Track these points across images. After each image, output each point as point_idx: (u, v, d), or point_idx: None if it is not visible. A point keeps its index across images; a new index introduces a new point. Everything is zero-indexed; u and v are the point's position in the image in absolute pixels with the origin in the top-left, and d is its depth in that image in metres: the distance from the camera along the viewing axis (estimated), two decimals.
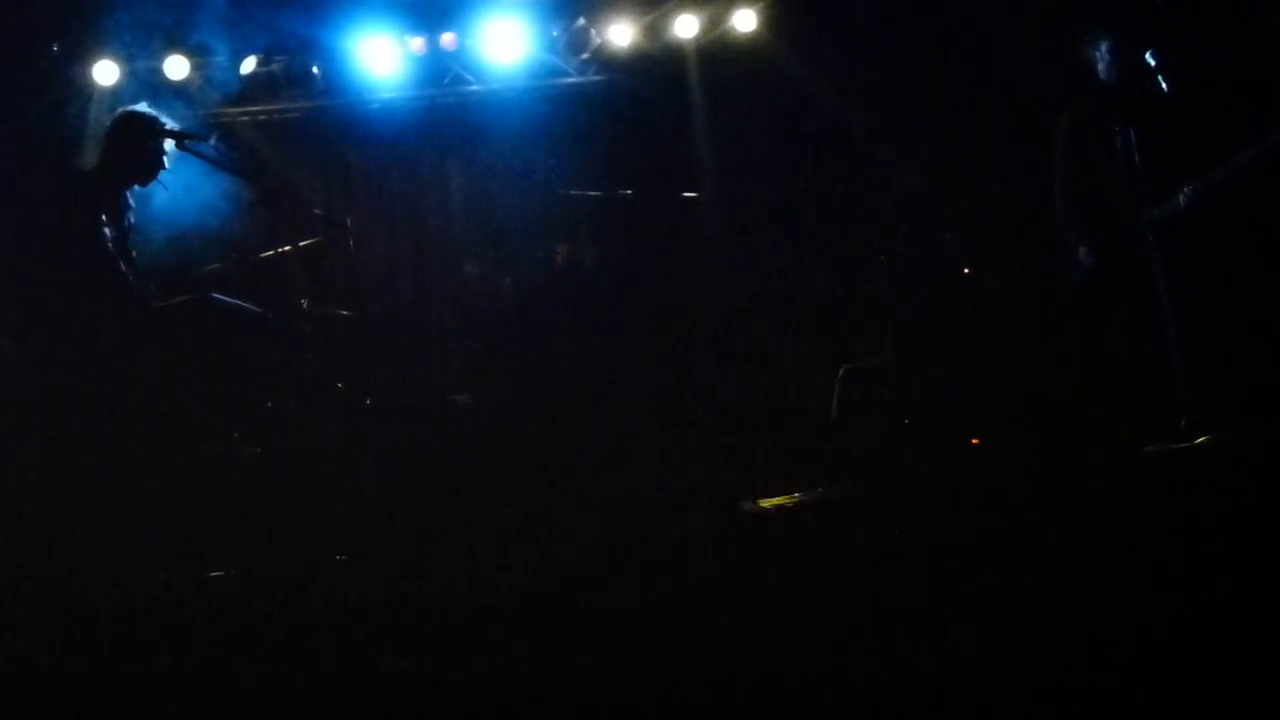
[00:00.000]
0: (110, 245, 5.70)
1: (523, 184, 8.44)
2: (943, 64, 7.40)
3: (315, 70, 7.93)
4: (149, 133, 5.90)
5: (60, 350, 5.63)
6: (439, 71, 8.16)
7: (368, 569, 4.74)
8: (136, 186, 5.92)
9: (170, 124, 5.97)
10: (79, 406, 5.54)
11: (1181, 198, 5.79)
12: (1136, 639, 3.40)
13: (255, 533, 5.16)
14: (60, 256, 5.69)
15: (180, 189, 6.00)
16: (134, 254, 5.90)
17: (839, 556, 4.31)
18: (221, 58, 7.66)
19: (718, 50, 8.16)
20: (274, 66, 7.84)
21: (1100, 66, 6.07)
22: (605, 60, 8.18)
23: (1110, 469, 5.16)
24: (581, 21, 7.98)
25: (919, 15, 7.45)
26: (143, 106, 6.09)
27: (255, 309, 6.06)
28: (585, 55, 8.14)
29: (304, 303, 6.68)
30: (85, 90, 7.49)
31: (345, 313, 6.87)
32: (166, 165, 5.91)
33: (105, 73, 7.46)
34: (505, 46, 7.92)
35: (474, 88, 8.24)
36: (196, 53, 7.58)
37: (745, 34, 8.02)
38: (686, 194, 8.16)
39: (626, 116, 8.29)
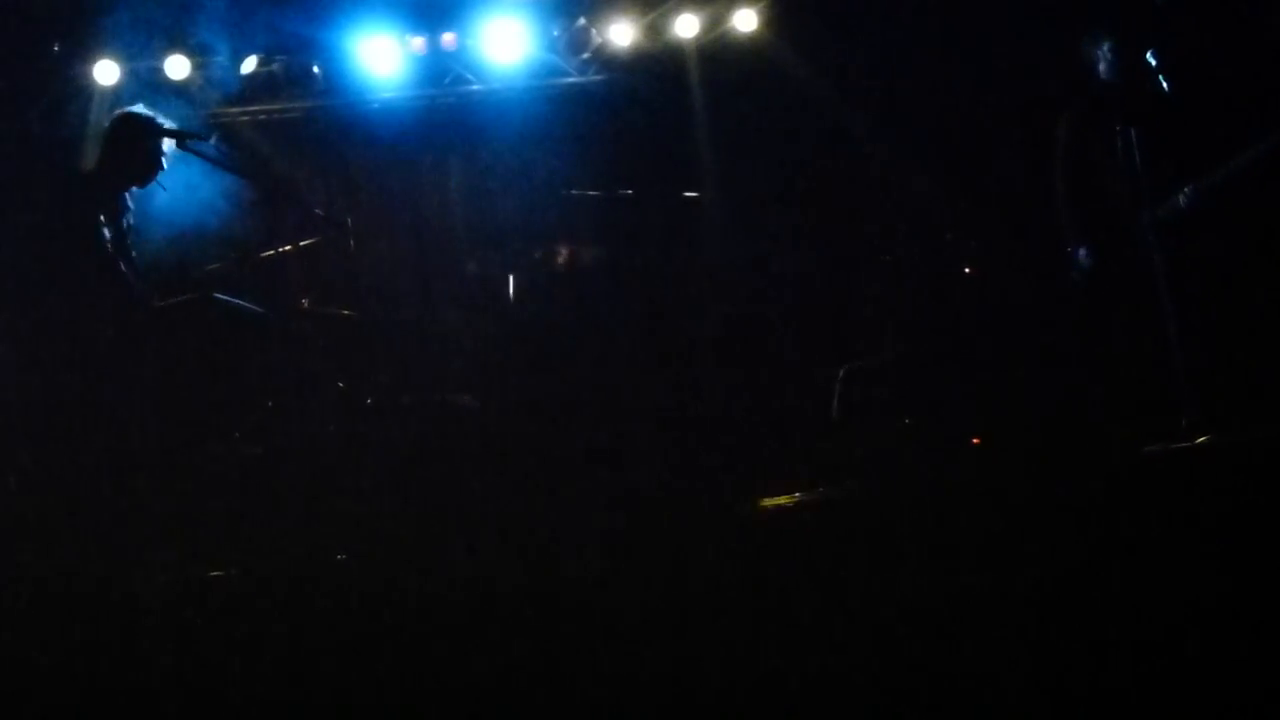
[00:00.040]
0: (110, 246, 5.71)
1: (523, 184, 8.43)
2: (943, 64, 7.39)
3: (316, 70, 7.91)
4: (146, 133, 5.90)
5: (60, 350, 5.63)
6: (439, 71, 8.15)
7: (368, 569, 4.74)
8: (135, 188, 5.93)
9: (168, 123, 5.97)
10: (79, 407, 5.54)
11: (1182, 198, 5.79)
12: (1136, 639, 3.41)
13: (255, 533, 5.16)
14: (60, 257, 5.69)
15: (180, 189, 6.00)
16: (134, 254, 5.90)
17: (839, 556, 4.31)
18: (222, 57, 7.64)
19: (718, 50, 8.14)
20: (274, 66, 7.82)
21: (1101, 66, 6.08)
22: (606, 60, 8.16)
23: (1110, 469, 5.16)
24: (582, 21, 7.97)
25: (919, 15, 7.44)
26: (139, 107, 6.09)
27: (256, 309, 6.06)
28: (586, 55, 8.12)
29: (304, 302, 6.69)
30: (85, 90, 7.47)
31: (345, 312, 6.87)
32: (165, 166, 5.92)
33: (106, 72, 7.44)
34: (506, 46, 7.91)
35: (474, 87, 8.22)
36: (197, 52, 7.56)
37: (746, 34, 8.00)
38: (686, 194, 8.16)
39: (627, 116, 8.27)
